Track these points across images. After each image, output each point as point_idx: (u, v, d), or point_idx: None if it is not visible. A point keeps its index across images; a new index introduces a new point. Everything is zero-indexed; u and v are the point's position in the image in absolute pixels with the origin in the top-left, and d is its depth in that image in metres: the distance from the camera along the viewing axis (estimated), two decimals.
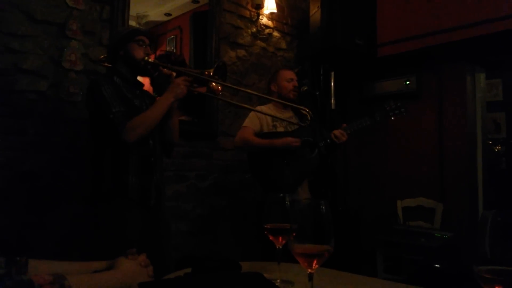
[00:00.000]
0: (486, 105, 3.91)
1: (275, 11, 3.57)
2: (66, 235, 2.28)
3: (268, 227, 1.12)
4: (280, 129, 2.59)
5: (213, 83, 2.00)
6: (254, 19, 3.53)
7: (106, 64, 2.22)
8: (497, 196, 3.87)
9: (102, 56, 2.36)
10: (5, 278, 0.80)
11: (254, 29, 3.54)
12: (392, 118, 2.77)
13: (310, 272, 0.87)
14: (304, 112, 2.20)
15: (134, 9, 2.75)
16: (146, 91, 2.09)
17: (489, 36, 3.20)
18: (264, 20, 3.59)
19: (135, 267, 1.00)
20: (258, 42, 3.58)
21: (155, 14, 3.15)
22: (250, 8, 3.51)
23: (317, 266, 0.86)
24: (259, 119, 2.59)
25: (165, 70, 1.97)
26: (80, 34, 2.41)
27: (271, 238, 1.13)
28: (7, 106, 2.15)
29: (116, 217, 1.84)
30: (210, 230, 3.09)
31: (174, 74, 1.98)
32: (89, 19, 2.47)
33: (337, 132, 2.59)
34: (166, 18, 3.23)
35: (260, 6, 3.49)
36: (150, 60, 1.94)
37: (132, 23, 2.76)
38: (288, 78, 2.69)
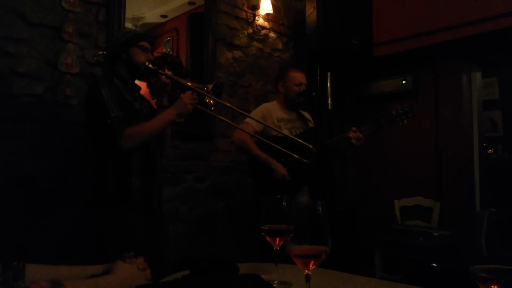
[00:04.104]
0: (482, 103, 3.92)
1: (271, 12, 3.57)
2: (65, 238, 2.27)
3: (266, 228, 1.12)
4: (285, 131, 2.57)
5: (208, 99, 2.04)
6: (250, 20, 3.53)
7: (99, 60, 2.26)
8: (494, 194, 3.89)
9: (100, 52, 2.36)
10: (2, 285, 0.80)
11: (250, 30, 3.54)
12: (400, 124, 2.64)
13: (307, 273, 0.87)
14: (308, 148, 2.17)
15: (130, 11, 2.74)
16: (142, 95, 2.09)
17: (485, 35, 3.22)
18: (260, 21, 3.60)
19: (133, 271, 1.00)
20: (255, 43, 3.58)
21: (151, 16, 3.15)
22: (246, 9, 3.52)
23: (314, 267, 0.86)
24: (264, 116, 2.57)
25: (163, 77, 1.96)
26: (76, 37, 2.40)
27: (268, 239, 1.13)
28: (3, 109, 2.14)
29: (120, 221, 1.83)
30: (208, 232, 3.09)
31: (169, 82, 1.98)
32: (85, 21, 2.46)
33: (354, 135, 2.55)
34: (162, 20, 3.23)
35: (256, 7, 3.50)
36: (150, 66, 1.95)
37: (128, 25, 2.75)
38: (297, 82, 2.65)
